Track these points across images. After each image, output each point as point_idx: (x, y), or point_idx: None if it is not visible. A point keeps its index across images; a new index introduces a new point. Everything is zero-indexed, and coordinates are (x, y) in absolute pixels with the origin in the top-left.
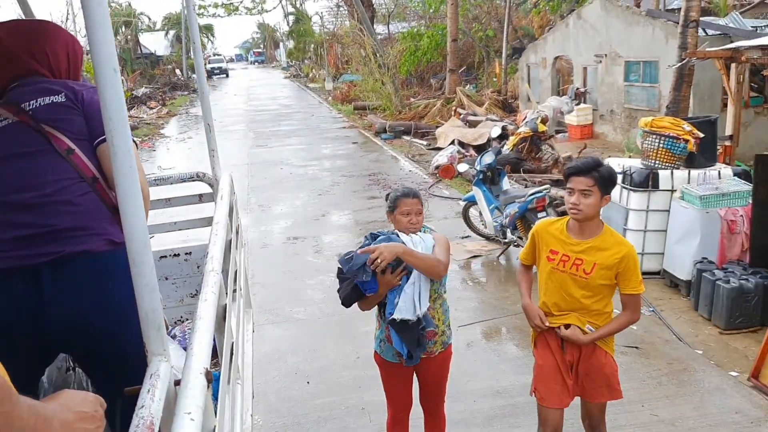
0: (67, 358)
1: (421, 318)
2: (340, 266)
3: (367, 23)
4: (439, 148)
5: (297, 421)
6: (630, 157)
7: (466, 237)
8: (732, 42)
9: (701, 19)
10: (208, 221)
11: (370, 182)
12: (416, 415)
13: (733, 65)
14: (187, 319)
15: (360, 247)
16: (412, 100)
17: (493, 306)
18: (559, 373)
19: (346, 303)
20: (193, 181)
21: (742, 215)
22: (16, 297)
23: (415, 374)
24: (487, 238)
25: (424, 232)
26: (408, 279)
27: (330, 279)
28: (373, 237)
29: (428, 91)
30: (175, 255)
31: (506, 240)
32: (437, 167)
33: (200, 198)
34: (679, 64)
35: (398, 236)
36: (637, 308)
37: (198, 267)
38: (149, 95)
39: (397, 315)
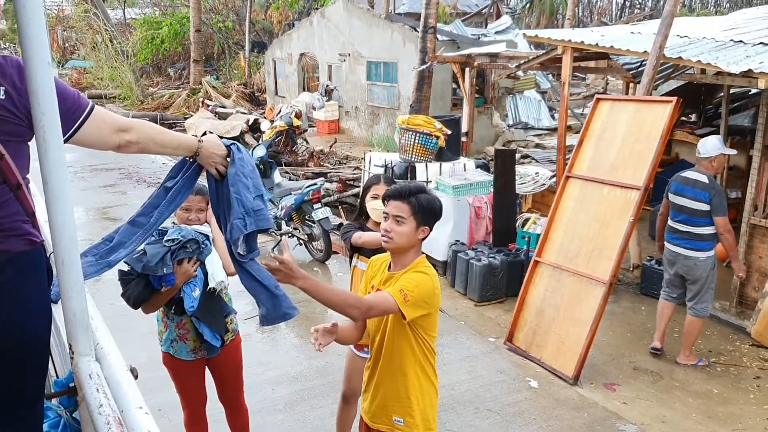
0: None
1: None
2: (127, 267)
3: (102, 8)
4: None
5: None
6: (387, 151)
7: None
8: (459, 47)
9: None
10: None
11: (122, 176)
12: (218, 409)
13: (467, 69)
14: None
15: (147, 244)
16: (152, 89)
17: None
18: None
19: (137, 303)
20: None
21: (486, 202)
22: None
23: (208, 370)
24: None
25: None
26: (203, 270)
27: None
28: (160, 234)
29: (167, 81)
30: None
31: (281, 232)
32: None
33: None
34: (423, 67)
35: (182, 229)
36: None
37: None
38: None
39: (211, 282)
